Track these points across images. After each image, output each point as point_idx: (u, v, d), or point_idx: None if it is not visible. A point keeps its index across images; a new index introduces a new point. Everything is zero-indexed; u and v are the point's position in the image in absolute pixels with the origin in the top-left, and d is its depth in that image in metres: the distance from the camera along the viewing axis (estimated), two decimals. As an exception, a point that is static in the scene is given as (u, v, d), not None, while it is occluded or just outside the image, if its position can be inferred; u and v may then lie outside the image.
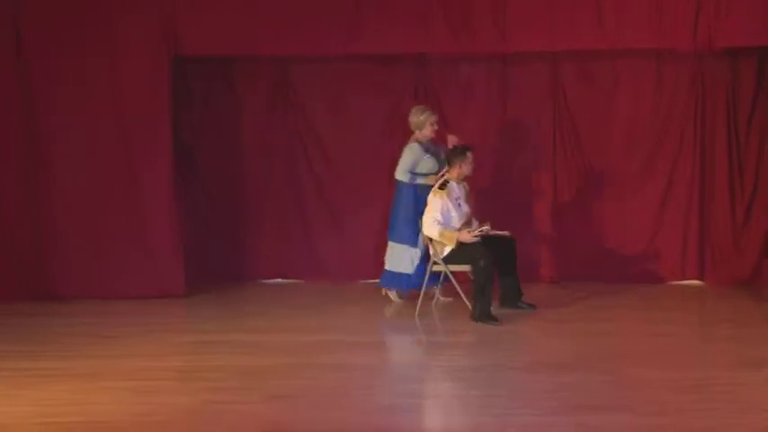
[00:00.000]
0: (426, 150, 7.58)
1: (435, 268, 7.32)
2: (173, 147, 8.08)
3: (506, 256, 7.27)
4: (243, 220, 8.91)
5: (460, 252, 7.03)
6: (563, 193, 8.66)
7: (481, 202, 8.53)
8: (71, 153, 7.96)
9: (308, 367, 5.82)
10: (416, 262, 7.53)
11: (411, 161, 7.56)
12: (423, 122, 7.58)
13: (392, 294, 7.80)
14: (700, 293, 8.24)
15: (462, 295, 7.14)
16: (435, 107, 8.73)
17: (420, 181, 7.55)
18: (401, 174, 7.58)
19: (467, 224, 7.21)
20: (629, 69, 8.51)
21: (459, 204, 7.21)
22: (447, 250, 7.10)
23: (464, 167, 7.24)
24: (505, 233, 7.32)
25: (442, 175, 7.32)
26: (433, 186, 7.24)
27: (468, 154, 7.24)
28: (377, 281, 7.90)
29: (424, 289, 7.36)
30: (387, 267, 7.69)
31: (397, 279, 7.66)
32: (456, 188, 7.23)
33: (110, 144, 7.99)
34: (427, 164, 7.58)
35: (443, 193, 7.12)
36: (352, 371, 5.73)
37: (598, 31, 7.73)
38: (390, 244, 7.70)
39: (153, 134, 7.99)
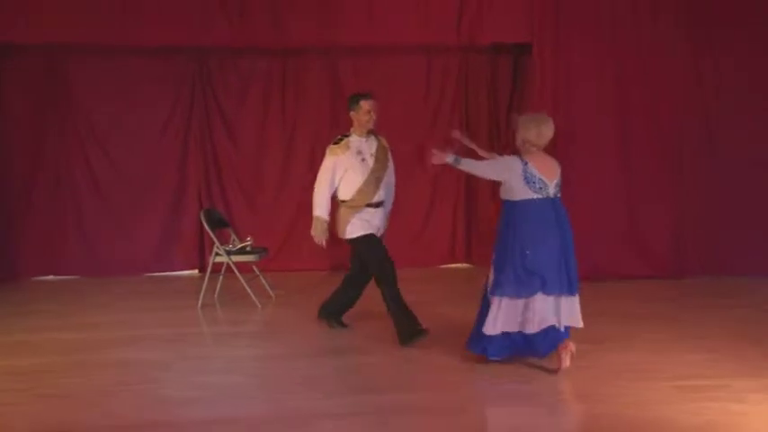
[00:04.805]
0: None
1: (218, 259, 7.24)
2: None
3: None
4: (10, 216, 8.49)
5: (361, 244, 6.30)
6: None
7: (259, 195, 8.67)
8: None
9: (85, 364, 5.67)
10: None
11: None
12: None
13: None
14: (468, 275, 8.76)
15: (247, 288, 7.19)
16: (212, 100, 8.76)
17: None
18: None
19: (375, 182, 6.20)
20: (401, 65, 8.87)
21: (364, 159, 6.19)
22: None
23: (361, 117, 6.15)
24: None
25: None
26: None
27: (362, 102, 6.14)
28: (158, 274, 7.65)
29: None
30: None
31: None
32: (358, 142, 6.19)
33: None
34: None
35: (337, 148, 6.14)
36: (133, 366, 5.64)
37: (369, 27, 8.00)
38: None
39: None
